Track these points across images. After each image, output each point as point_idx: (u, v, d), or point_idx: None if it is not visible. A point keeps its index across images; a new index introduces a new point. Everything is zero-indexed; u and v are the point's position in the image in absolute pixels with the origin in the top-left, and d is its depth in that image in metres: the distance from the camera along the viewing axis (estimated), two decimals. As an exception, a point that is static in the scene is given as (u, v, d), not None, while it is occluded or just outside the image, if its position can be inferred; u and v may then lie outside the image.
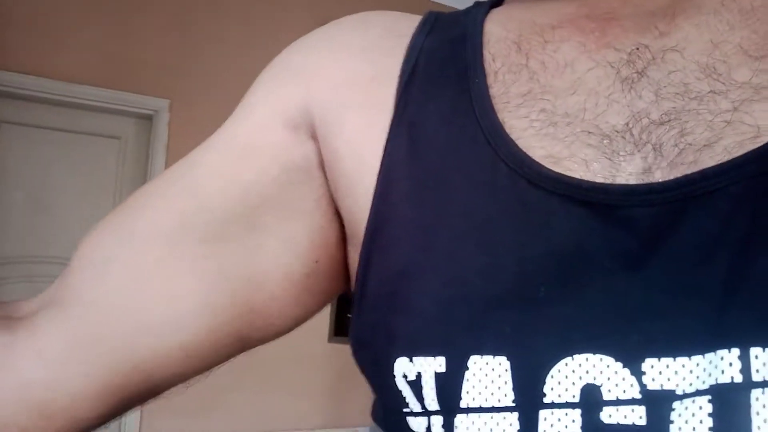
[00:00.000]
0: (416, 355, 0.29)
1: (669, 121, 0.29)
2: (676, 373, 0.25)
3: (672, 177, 0.27)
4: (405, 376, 0.30)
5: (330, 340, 3.37)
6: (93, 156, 3.28)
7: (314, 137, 0.36)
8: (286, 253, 0.36)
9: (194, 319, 0.34)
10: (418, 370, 0.29)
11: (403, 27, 0.37)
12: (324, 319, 3.54)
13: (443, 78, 0.34)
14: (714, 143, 0.27)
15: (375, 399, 0.35)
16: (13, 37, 3.07)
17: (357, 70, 0.36)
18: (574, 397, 0.26)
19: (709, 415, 0.25)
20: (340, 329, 3.26)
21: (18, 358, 0.32)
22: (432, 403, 0.29)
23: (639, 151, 0.29)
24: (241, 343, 0.36)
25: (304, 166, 0.36)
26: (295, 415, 3.51)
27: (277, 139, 0.36)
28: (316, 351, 3.49)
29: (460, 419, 0.28)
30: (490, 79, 0.33)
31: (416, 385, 0.29)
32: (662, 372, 0.26)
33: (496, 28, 0.35)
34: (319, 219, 0.36)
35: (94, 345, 0.33)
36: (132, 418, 3.15)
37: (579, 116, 0.30)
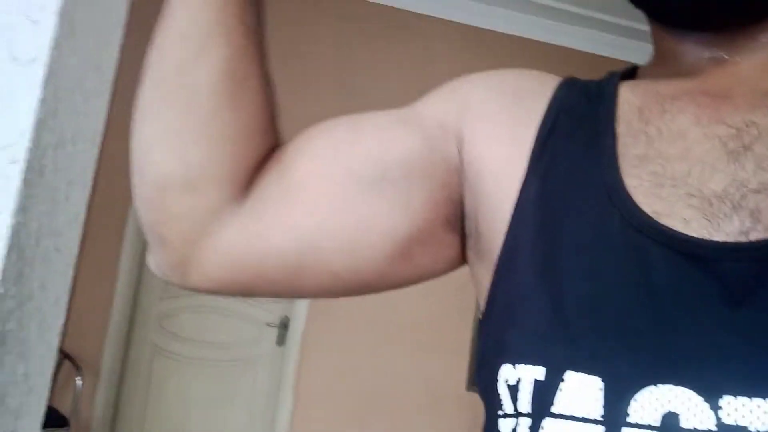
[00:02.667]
0: (519, 363, 0.34)
1: (766, 190, 0.32)
2: (751, 411, 0.28)
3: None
4: (506, 381, 0.34)
5: (468, 388, 3.34)
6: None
7: (459, 147, 0.42)
8: (399, 211, 0.41)
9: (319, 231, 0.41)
10: (518, 375, 0.34)
11: (549, 81, 0.44)
12: (462, 367, 3.54)
13: (579, 135, 0.39)
14: None
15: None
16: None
17: (508, 110, 0.42)
18: (655, 421, 0.30)
19: None
20: (478, 378, 3.21)
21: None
22: (525, 406, 0.33)
23: (736, 214, 0.32)
24: (338, 274, 0.42)
25: (445, 157, 0.42)
26: (430, 461, 3.50)
27: (432, 132, 0.43)
28: (454, 398, 3.48)
29: (548, 422, 0.32)
30: (617, 142, 0.38)
31: (514, 389, 0.34)
32: (738, 409, 0.29)
33: (626, 93, 0.41)
34: (436, 197, 0.42)
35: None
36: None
37: (684, 180, 0.35)
